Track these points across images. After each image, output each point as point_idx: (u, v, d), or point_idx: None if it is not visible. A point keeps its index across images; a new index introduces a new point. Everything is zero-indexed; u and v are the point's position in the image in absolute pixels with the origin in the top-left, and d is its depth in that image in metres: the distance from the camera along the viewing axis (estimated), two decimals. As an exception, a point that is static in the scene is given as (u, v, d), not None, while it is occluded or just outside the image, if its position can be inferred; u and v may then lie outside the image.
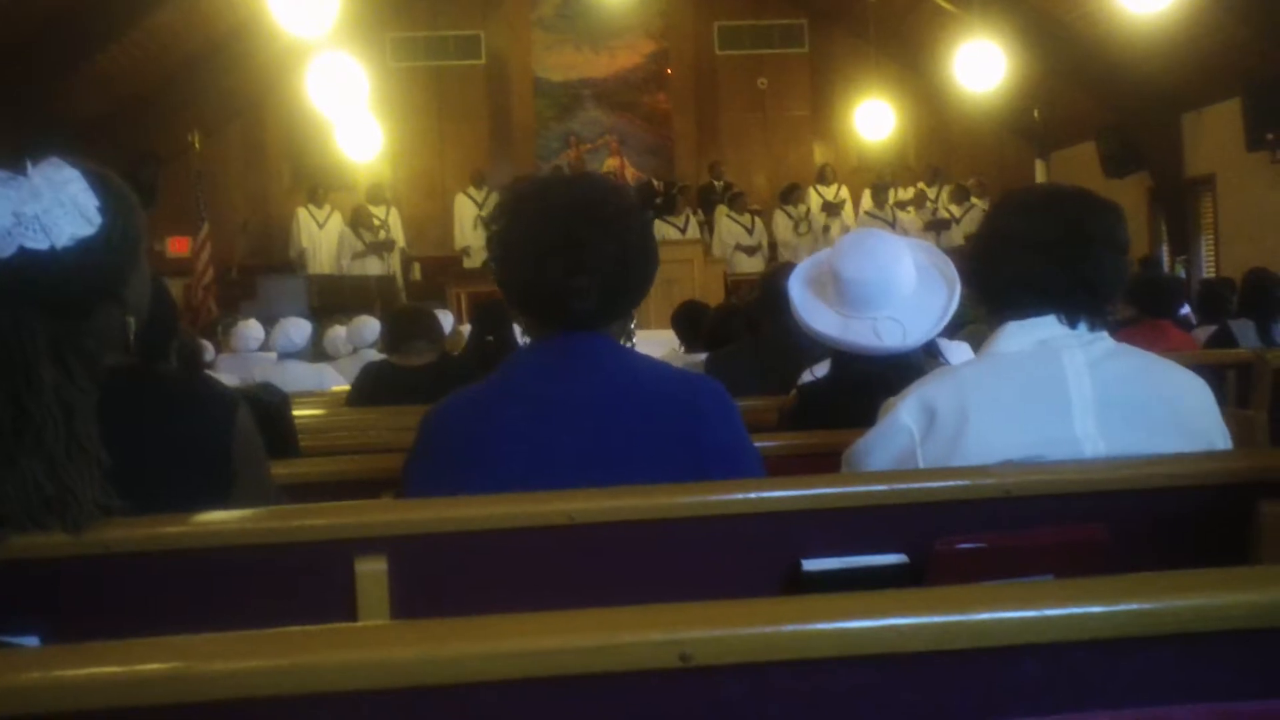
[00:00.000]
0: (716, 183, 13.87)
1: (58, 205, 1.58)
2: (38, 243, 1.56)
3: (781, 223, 13.21)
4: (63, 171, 1.61)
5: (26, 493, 1.49)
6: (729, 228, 13.01)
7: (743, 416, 1.95)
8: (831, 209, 13.38)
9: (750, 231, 13.04)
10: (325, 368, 6.47)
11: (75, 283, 1.60)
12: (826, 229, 12.98)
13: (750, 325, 4.46)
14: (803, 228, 13.03)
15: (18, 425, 1.51)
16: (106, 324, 1.66)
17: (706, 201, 13.63)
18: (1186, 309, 6.02)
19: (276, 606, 1.59)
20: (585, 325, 1.86)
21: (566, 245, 1.81)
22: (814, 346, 2.82)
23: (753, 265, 12.51)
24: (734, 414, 1.92)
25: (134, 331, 1.71)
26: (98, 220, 1.60)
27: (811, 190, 13.63)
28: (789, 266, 3.42)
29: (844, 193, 13.73)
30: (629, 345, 2.00)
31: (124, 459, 1.57)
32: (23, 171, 1.60)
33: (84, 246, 1.59)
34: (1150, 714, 1.00)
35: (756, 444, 2.00)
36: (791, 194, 13.28)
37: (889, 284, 2.59)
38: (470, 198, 13.45)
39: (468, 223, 13.34)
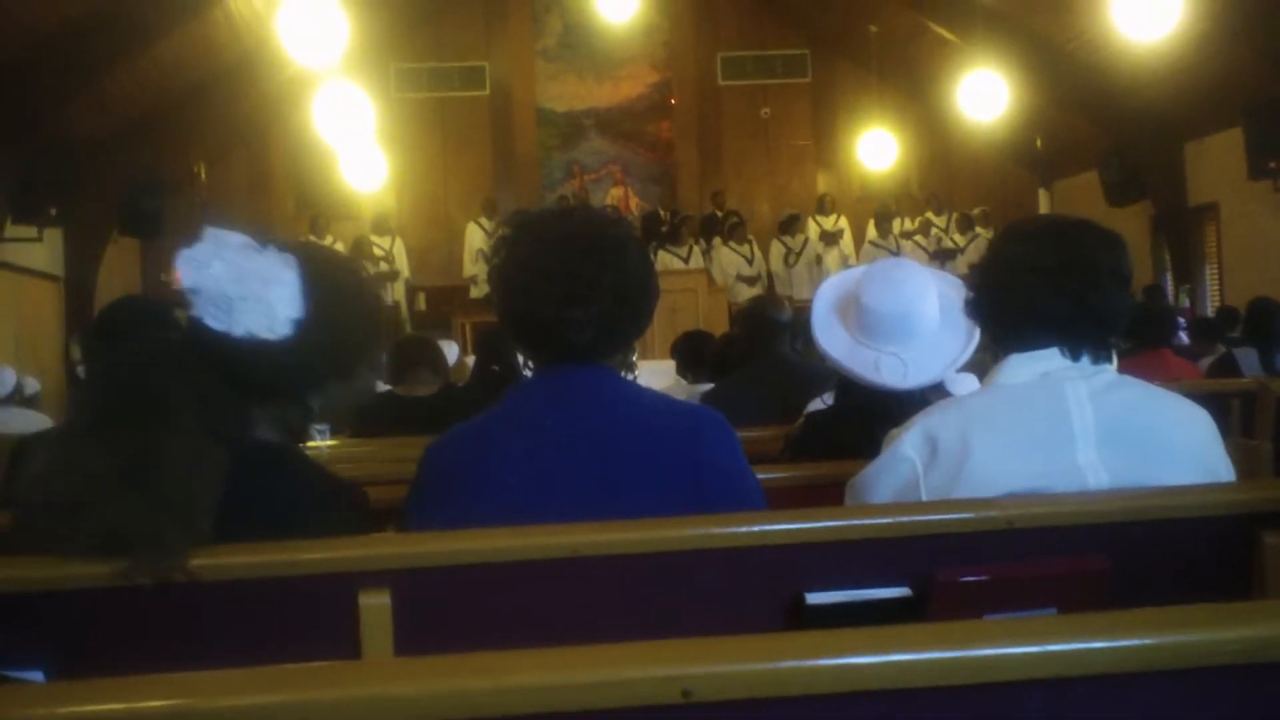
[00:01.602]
0: (719, 212, 13.90)
1: (253, 299, 1.59)
2: (216, 321, 1.59)
3: (776, 254, 13.26)
4: (284, 272, 1.62)
5: (119, 519, 1.49)
6: (728, 258, 13.03)
7: (748, 447, 1.95)
8: (829, 238, 13.42)
9: (750, 261, 13.06)
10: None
11: (241, 371, 1.62)
12: (820, 259, 13.03)
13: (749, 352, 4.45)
14: (791, 259, 13.10)
15: (145, 457, 1.52)
16: (281, 413, 1.71)
17: (710, 231, 13.65)
18: (1183, 335, 6.03)
19: (280, 640, 1.59)
20: (583, 357, 1.86)
21: (561, 277, 1.82)
22: (817, 373, 2.82)
23: (755, 295, 12.50)
24: (733, 440, 1.92)
25: (309, 429, 1.75)
26: (283, 331, 1.61)
27: (810, 220, 13.69)
28: (771, 298, 3.43)
29: (842, 222, 13.76)
30: (631, 377, 2.00)
31: (240, 533, 1.57)
32: (264, 247, 1.62)
33: (258, 346, 1.60)
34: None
35: (761, 475, 2.00)
36: (790, 225, 13.34)
37: (907, 320, 2.58)
38: (481, 227, 13.46)
39: (476, 252, 13.38)
